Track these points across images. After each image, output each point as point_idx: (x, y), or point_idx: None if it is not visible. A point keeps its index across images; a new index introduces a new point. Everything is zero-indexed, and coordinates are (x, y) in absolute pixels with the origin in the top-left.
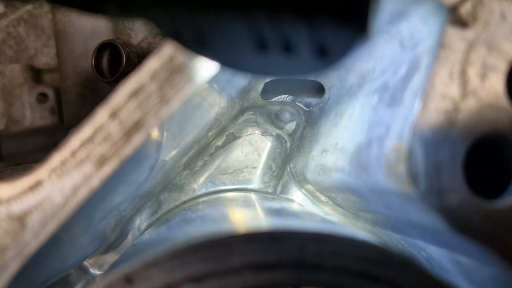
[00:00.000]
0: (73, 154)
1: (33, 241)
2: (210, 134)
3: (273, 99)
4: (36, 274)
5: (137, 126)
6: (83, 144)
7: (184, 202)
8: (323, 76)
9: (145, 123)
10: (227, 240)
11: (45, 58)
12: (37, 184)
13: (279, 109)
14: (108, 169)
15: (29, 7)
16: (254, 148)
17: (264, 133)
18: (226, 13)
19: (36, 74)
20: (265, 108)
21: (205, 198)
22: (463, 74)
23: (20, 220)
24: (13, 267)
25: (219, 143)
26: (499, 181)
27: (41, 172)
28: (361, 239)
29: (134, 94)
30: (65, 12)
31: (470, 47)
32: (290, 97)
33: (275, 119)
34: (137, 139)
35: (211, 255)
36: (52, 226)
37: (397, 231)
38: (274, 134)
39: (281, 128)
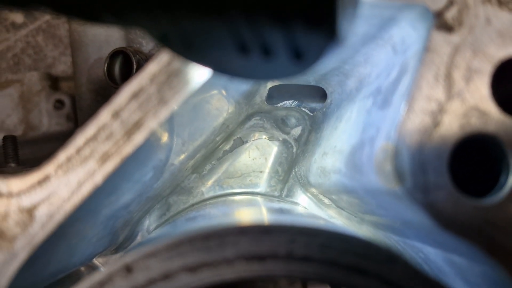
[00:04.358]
0: (78, 151)
1: (40, 232)
2: (218, 138)
3: (279, 105)
4: (45, 265)
5: (137, 125)
6: (87, 142)
7: (192, 205)
8: (324, 82)
9: (145, 123)
10: (221, 232)
11: (62, 66)
12: (45, 179)
13: (285, 115)
14: (110, 166)
15: (47, 17)
16: (261, 153)
17: (271, 138)
18: (208, 18)
19: (53, 82)
20: (272, 113)
21: (212, 201)
22: (449, 77)
23: (29, 212)
24: (22, 255)
25: (227, 147)
26: (488, 180)
27: (49, 168)
28: (350, 233)
29: (135, 95)
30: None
31: (456, 50)
32: (296, 102)
33: (281, 124)
34: (137, 138)
35: (206, 246)
36: (58, 218)
37: (396, 233)
38: (280, 139)
39: (287, 133)
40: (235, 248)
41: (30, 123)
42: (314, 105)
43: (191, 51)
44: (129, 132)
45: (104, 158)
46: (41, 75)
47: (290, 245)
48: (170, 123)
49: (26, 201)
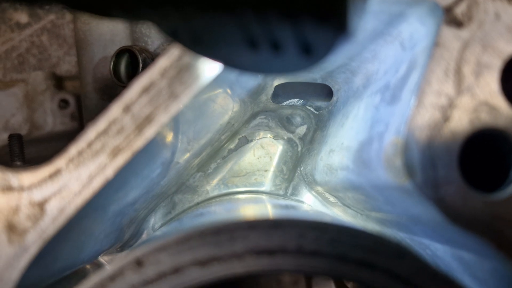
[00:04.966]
0: (89, 145)
1: (51, 226)
2: (223, 137)
3: (284, 103)
4: (54, 260)
5: (148, 120)
6: (99, 136)
7: (197, 204)
8: (331, 80)
9: (156, 117)
10: (231, 226)
11: (67, 66)
12: (56, 173)
13: (290, 113)
14: (121, 160)
15: (52, 17)
16: (266, 152)
17: (276, 136)
18: (217, 14)
19: (58, 81)
20: (277, 112)
21: (217, 199)
22: (458, 72)
23: (40, 206)
24: (33, 249)
25: (232, 146)
26: (498, 175)
27: (60, 162)
28: (359, 228)
29: (146, 90)
30: (85, 21)
31: (465, 45)
32: (301, 101)
33: (286, 123)
34: (148, 133)
35: (216, 241)
36: (69, 212)
37: (403, 230)
38: (285, 137)
39: (292, 132)
40: (245, 242)
41: (34, 123)
42: (319, 103)
43: (201, 46)
44: (140, 127)
45: (115, 152)
46: (45, 75)
47: (299, 239)
48: (175, 122)
49: (37, 195)
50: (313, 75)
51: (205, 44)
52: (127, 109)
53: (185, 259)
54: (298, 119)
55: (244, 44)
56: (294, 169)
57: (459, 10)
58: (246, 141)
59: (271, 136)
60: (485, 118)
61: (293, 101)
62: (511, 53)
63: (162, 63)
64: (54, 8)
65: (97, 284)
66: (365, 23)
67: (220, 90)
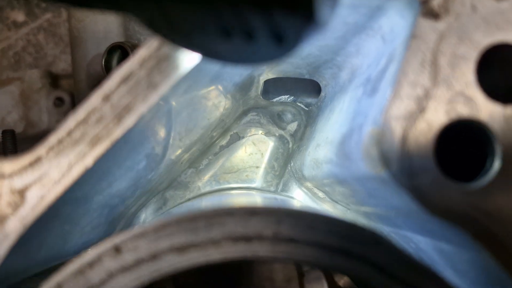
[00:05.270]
0: (69, 134)
1: (31, 213)
2: (214, 134)
3: (275, 100)
4: (37, 248)
5: (127, 109)
6: (78, 125)
7: (189, 200)
8: (318, 75)
9: (135, 106)
10: (208, 213)
11: (63, 64)
12: (37, 161)
13: (281, 110)
14: (101, 148)
15: (48, 16)
16: (257, 148)
17: (267, 133)
18: (194, 4)
19: (53, 80)
20: (268, 108)
21: (208, 196)
22: (434, 63)
23: (21, 193)
24: (13, 236)
25: (223, 142)
26: (474, 166)
27: (40, 150)
28: (335, 216)
29: (125, 79)
30: (79, 18)
31: (442, 37)
32: (291, 97)
33: (277, 119)
34: (127, 122)
35: (193, 227)
36: (49, 200)
37: (388, 224)
38: (276, 134)
39: (283, 129)
40: (222, 229)
41: (30, 120)
42: (309, 99)
43: (177, 36)
44: (119, 116)
45: (95, 141)
46: (41, 73)
47: (276, 226)
48: (167, 118)
49: (18, 182)
50: (300, 70)
51: (181, 34)
52: (106, 98)
53: (163, 246)
54: (289, 116)
55: (218, 33)
56: (285, 166)
57: (436, 2)
58: (237, 137)
59: (263, 133)
60: (461, 109)
61: (284, 97)
62: (487, 45)
63: (142, 53)
64: (51, 7)
65: (76, 270)
66: (346, 17)
67: (212, 88)
